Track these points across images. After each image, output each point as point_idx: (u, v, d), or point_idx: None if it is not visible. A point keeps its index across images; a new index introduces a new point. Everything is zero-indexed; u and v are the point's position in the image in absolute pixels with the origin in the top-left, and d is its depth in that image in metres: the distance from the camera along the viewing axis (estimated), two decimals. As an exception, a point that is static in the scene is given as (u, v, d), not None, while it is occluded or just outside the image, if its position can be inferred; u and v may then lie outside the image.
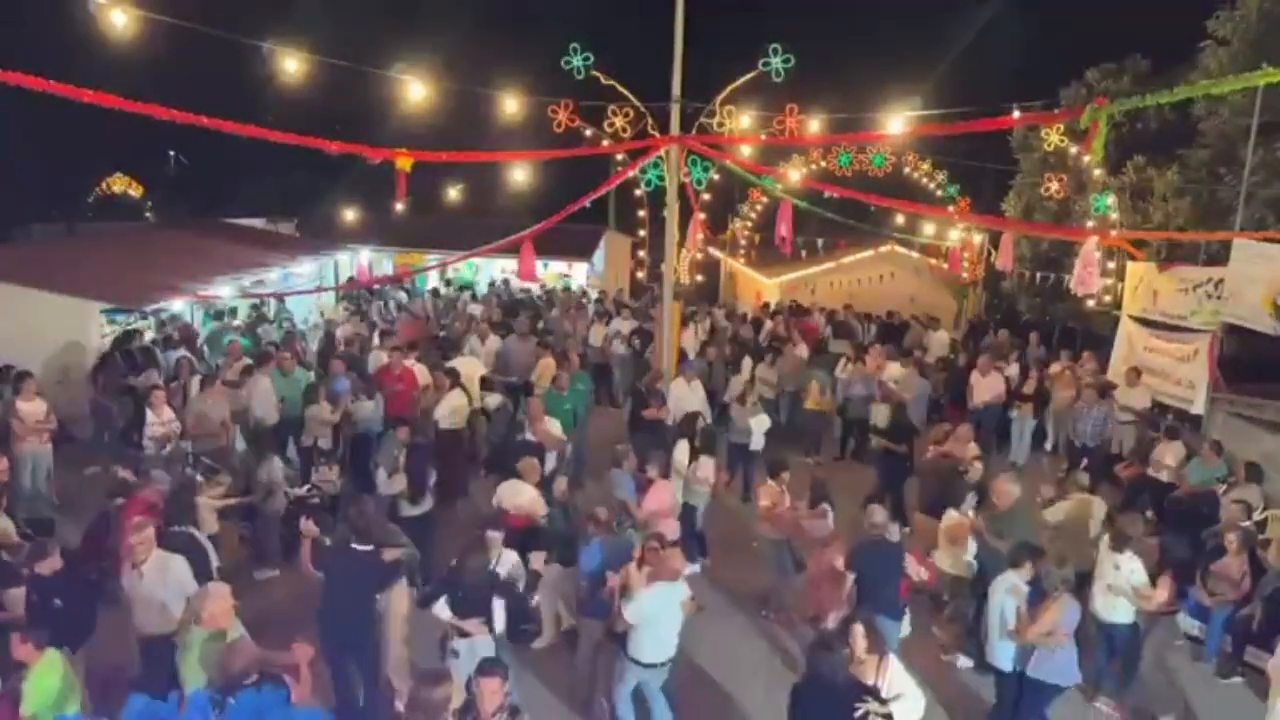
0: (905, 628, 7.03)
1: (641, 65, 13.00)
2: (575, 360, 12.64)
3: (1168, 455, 10.47)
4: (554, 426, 9.94)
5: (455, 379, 10.94)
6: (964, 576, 7.73)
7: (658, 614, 6.09)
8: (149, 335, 13.67)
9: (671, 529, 7.88)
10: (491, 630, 6.05)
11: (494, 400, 11.46)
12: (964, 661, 7.61)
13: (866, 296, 21.86)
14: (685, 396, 11.36)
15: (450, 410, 10.55)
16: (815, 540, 7.76)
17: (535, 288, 20.30)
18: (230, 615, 5.48)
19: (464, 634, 6.02)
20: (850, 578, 6.89)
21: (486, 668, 4.74)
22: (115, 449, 10.66)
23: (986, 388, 12.71)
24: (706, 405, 11.47)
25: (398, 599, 6.66)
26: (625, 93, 12.97)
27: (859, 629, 5.31)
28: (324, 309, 18.44)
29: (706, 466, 9.11)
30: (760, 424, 10.92)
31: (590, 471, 11.18)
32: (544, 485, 8.25)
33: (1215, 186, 15.07)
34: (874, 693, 5.06)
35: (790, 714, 5.13)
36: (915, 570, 7.16)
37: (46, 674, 5.10)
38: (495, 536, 6.62)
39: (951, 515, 7.95)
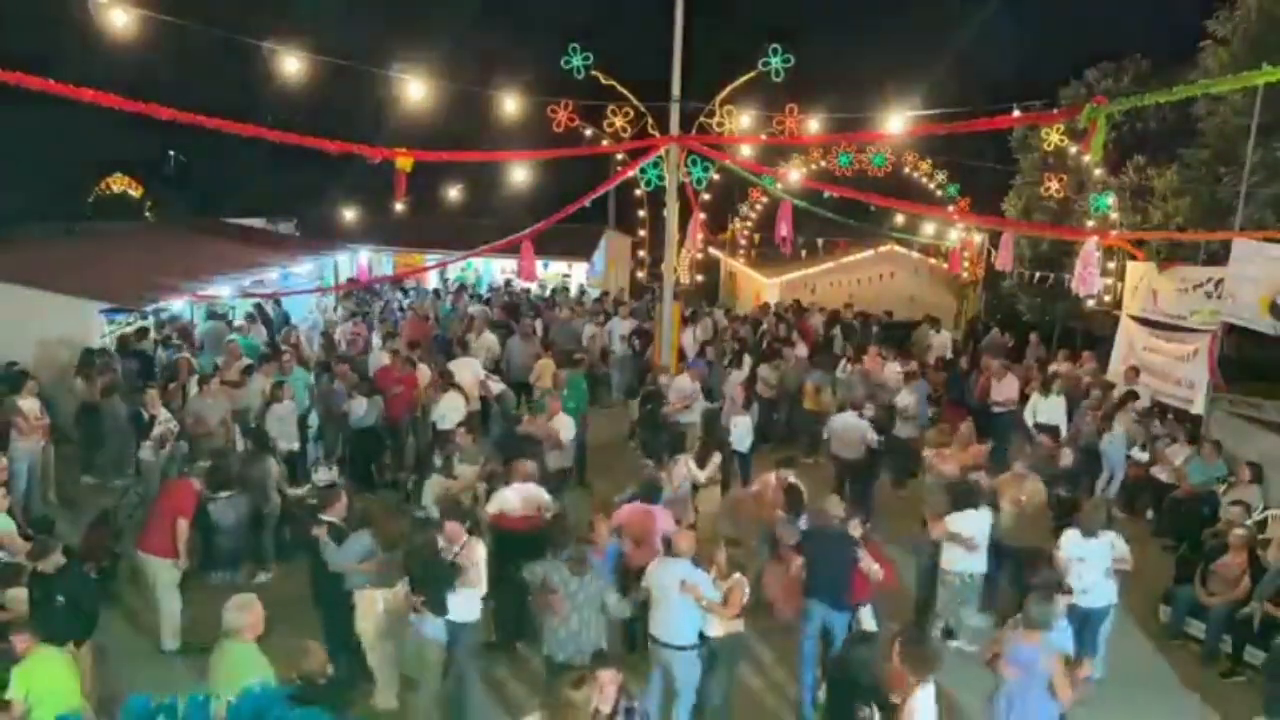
0: (870, 622, 6.97)
1: (641, 65, 13.01)
2: (585, 362, 12.58)
3: (1178, 456, 10.47)
4: (564, 426, 9.66)
5: (450, 379, 10.96)
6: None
7: (659, 587, 6.23)
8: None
9: (643, 554, 7.42)
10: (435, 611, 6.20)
11: (497, 387, 11.50)
12: None
13: (866, 296, 21.86)
14: (686, 393, 11.32)
15: (446, 410, 10.53)
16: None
17: (535, 287, 20.29)
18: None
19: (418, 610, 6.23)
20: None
21: (602, 660, 4.79)
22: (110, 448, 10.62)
23: (1002, 390, 12.39)
24: (702, 403, 11.45)
25: None
26: (625, 93, 12.96)
27: (899, 646, 5.07)
28: (323, 310, 18.42)
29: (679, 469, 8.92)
30: (741, 425, 10.76)
31: (589, 472, 11.15)
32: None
33: (1215, 186, 15.06)
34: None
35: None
36: (869, 566, 6.74)
37: (43, 669, 5.08)
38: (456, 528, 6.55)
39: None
